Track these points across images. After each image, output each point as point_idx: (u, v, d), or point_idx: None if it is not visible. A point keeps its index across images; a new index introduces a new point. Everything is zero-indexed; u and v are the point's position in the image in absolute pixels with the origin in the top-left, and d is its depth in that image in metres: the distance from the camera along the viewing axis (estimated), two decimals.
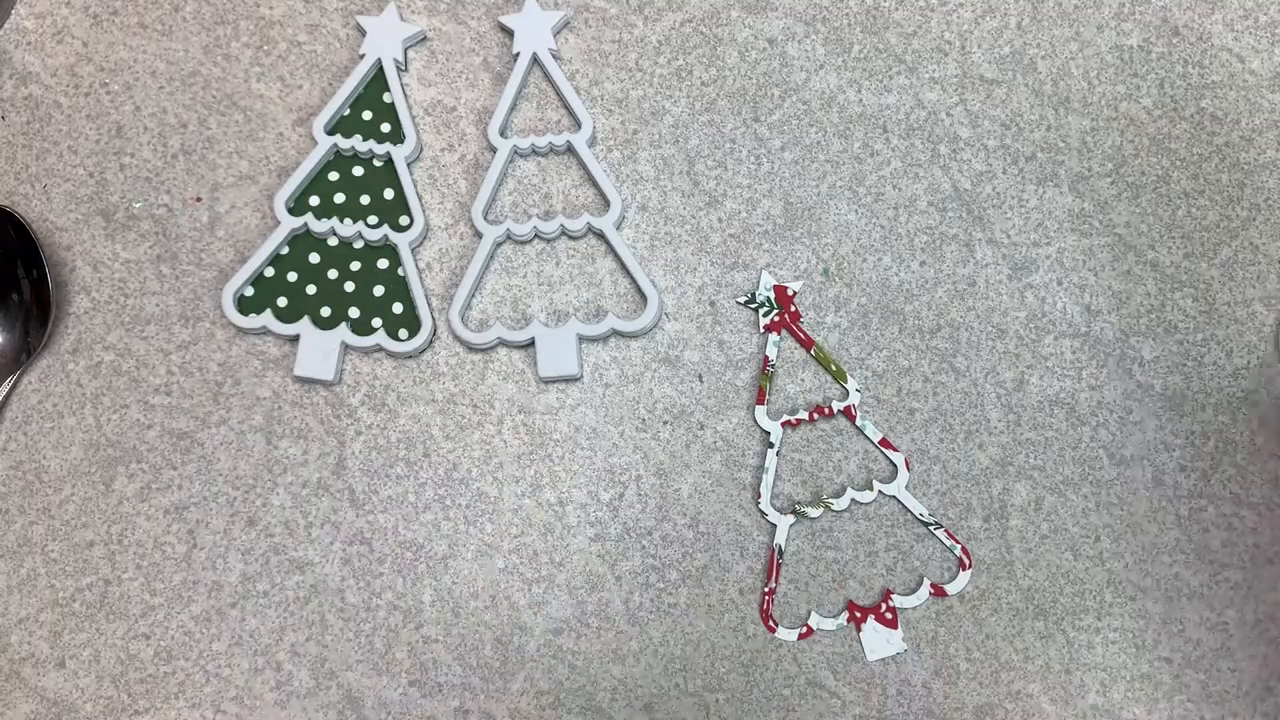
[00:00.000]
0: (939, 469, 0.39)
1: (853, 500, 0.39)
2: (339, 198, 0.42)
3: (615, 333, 0.40)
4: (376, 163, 0.43)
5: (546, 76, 0.43)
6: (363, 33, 0.43)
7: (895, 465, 0.39)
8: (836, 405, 0.39)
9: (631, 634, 0.38)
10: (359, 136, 0.42)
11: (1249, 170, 0.42)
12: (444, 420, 0.40)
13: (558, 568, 0.39)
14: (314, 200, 0.42)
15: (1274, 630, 0.38)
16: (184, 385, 0.40)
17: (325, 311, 0.41)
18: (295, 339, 0.41)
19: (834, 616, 0.38)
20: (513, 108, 0.43)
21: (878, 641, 0.38)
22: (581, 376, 0.40)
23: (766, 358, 0.39)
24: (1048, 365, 0.40)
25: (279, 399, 0.40)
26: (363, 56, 0.43)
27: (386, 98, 0.43)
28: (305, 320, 0.41)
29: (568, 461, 0.40)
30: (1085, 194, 0.42)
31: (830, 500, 0.39)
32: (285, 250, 0.42)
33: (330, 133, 0.42)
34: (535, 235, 0.42)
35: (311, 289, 0.41)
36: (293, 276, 0.41)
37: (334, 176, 0.42)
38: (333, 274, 0.41)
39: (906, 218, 0.41)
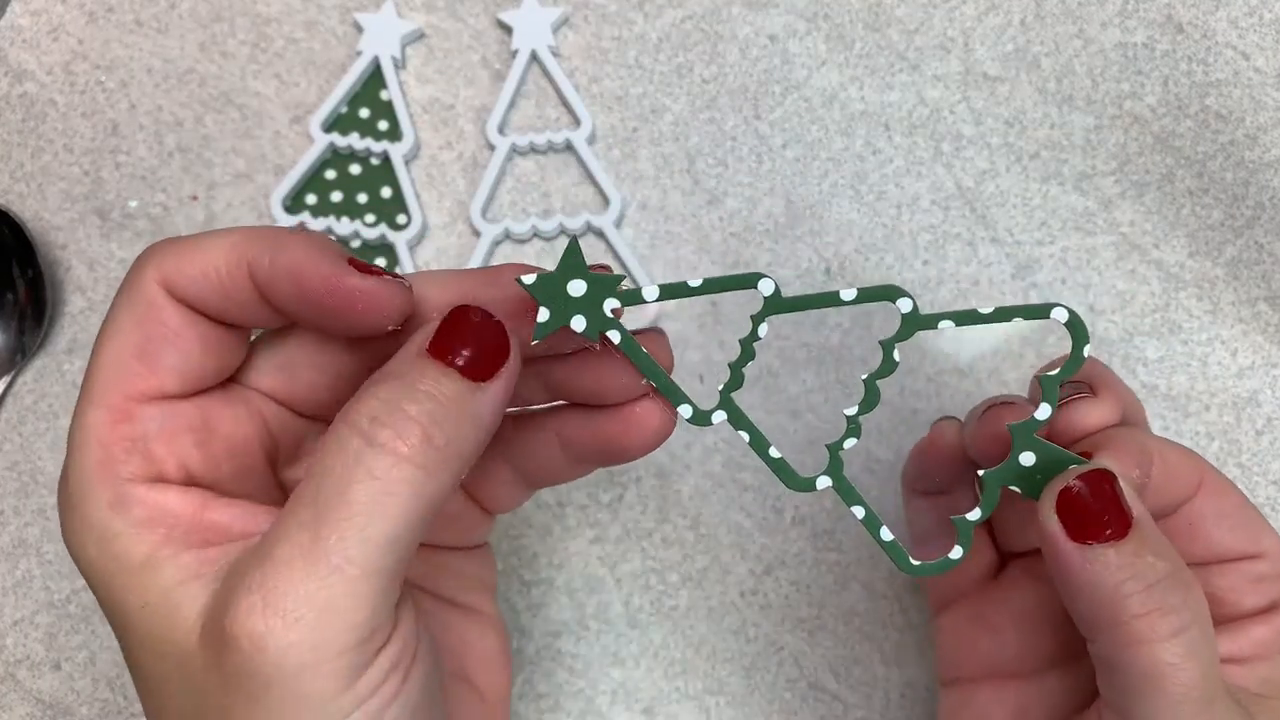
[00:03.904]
0: None
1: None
2: (336, 196, 0.42)
3: None
4: (374, 161, 0.42)
5: (545, 74, 0.43)
6: (360, 30, 0.43)
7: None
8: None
9: (631, 637, 0.38)
10: (356, 134, 0.42)
11: (1254, 168, 0.41)
12: None
13: (556, 570, 0.38)
14: (311, 199, 0.42)
15: None
16: None
17: None
18: None
19: None
20: (511, 105, 0.43)
21: None
22: None
23: None
24: None
25: None
26: (360, 54, 0.43)
27: (384, 95, 0.43)
28: None
29: None
30: (1089, 192, 0.41)
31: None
32: None
33: (327, 130, 0.42)
34: (534, 234, 0.41)
35: None
36: None
37: (331, 175, 0.42)
38: None
39: (909, 216, 0.41)
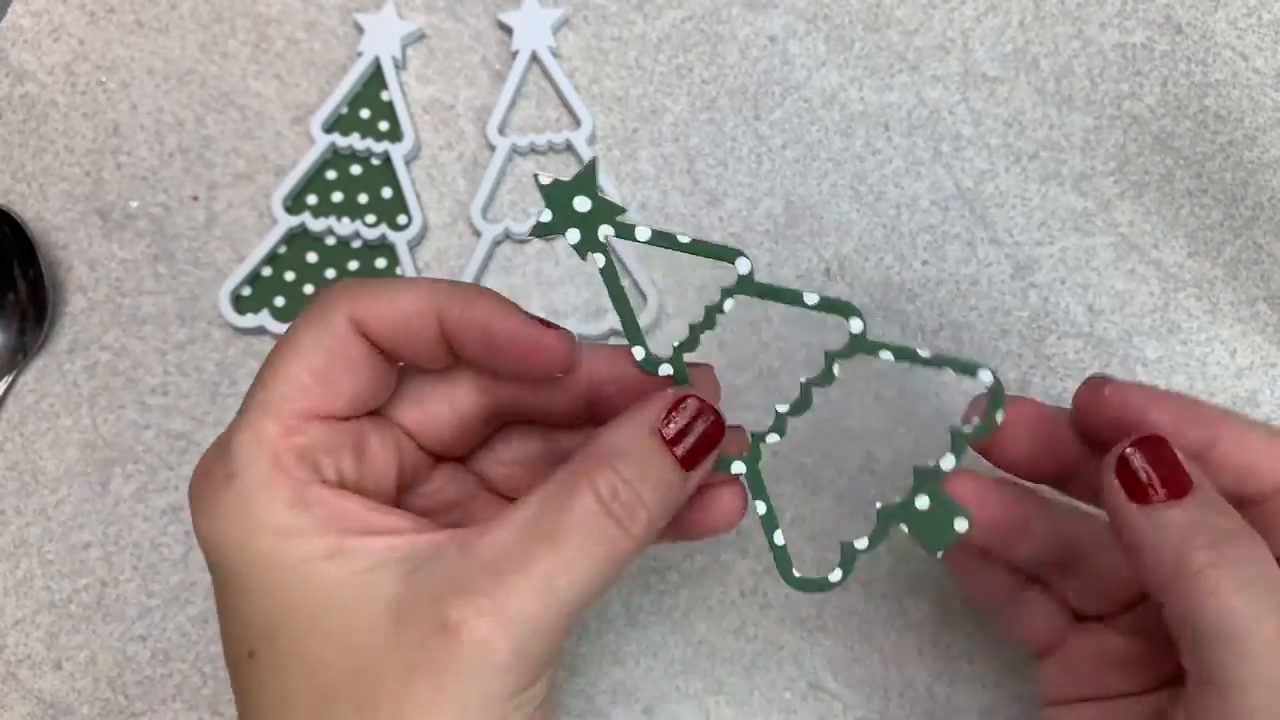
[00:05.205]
0: None
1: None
2: (336, 196, 0.42)
3: (614, 332, 0.40)
4: (374, 161, 0.42)
5: (545, 74, 0.43)
6: (361, 30, 0.43)
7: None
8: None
9: (631, 636, 0.38)
10: (357, 135, 0.42)
11: (1252, 169, 0.41)
12: None
13: None
14: (311, 199, 0.42)
15: None
16: (181, 385, 0.40)
17: None
18: None
19: None
20: (511, 106, 0.43)
21: None
22: None
23: None
24: (1050, 365, 0.40)
25: None
26: (360, 54, 0.43)
27: (384, 96, 0.43)
28: None
29: None
30: (1088, 193, 0.41)
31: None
32: (282, 249, 0.41)
33: (328, 131, 0.42)
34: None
35: (309, 288, 0.41)
36: (290, 276, 0.41)
37: (331, 175, 0.42)
38: (330, 273, 0.41)
39: (909, 216, 0.41)
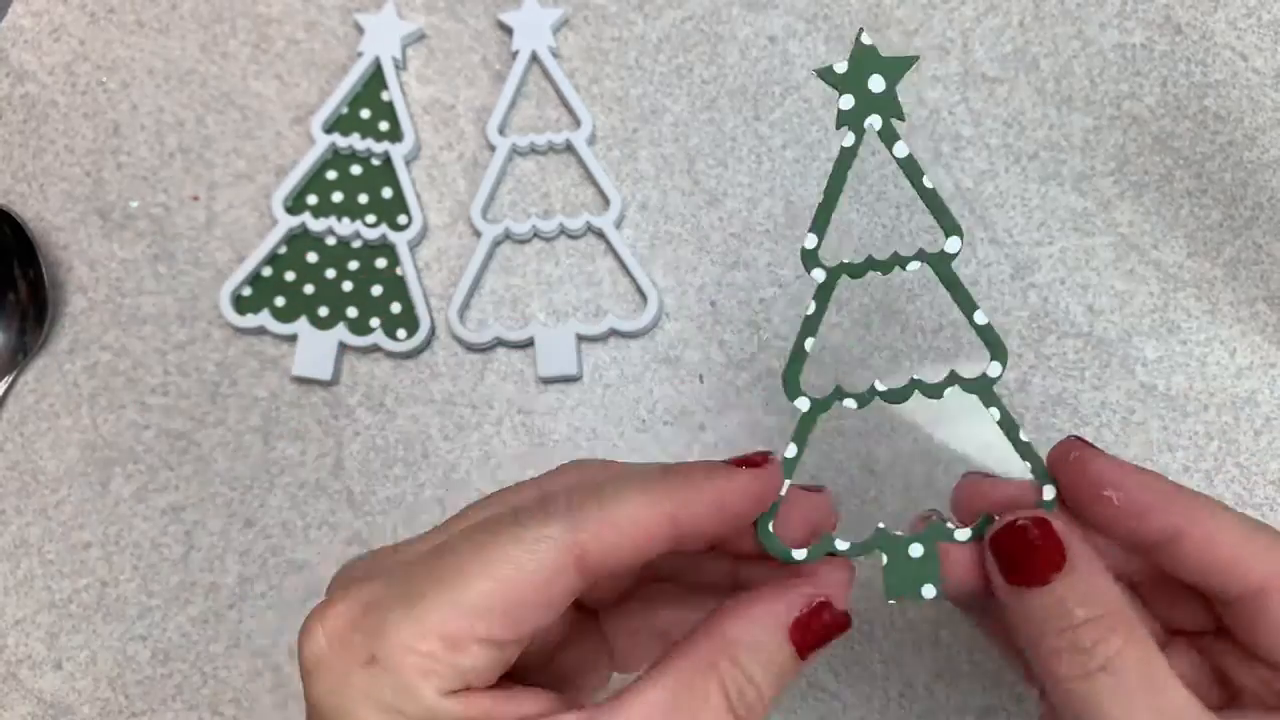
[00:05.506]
0: (942, 469, 0.39)
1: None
2: (337, 196, 0.42)
3: (614, 332, 0.40)
4: (375, 161, 0.42)
5: (546, 74, 0.43)
6: (361, 30, 0.43)
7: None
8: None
9: None
10: (357, 135, 0.42)
11: (1252, 169, 0.41)
12: (442, 420, 0.40)
13: None
14: (312, 199, 0.42)
15: None
16: (181, 385, 0.40)
17: (323, 311, 0.41)
18: (293, 339, 0.40)
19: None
20: (512, 106, 0.43)
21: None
22: (581, 376, 0.40)
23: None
24: (1050, 365, 0.40)
25: (276, 399, 0.40)
26: (361, 54, 0.43)
27: (385, 96, 0.43)
28: (303, 320, 0.40)
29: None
30: (1088, 193, 0.41)
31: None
32: (283, 249, 0.41)
33: (328, 131, 0.42)
34: (534, 234, 0.42)
35: (309, 288, 0.41)
36: (290, 276, 0.41)
37: (332, 175, 0.42)
38: (330, 273, 0.41)
39: (909, 216, 0.41)
